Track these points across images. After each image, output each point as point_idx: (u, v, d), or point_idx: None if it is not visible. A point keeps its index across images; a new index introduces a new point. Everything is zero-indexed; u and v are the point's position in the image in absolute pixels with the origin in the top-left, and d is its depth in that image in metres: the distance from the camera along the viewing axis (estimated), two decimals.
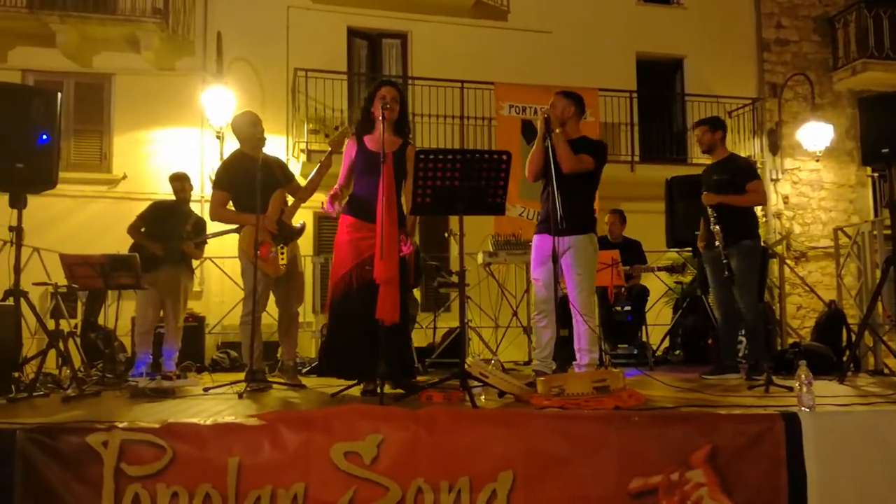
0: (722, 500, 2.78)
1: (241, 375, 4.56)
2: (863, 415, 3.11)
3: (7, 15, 9.26)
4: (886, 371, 5.50)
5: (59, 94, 4.59)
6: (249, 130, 4.70)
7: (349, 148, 4.27)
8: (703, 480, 2.78)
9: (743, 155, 8.93)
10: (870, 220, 8.66)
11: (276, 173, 4.72)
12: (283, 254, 4.67)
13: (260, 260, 4.44)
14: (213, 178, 9.46)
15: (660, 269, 6.70)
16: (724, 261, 4.53)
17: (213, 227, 5.96)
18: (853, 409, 3.20)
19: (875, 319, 5.57)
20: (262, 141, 4.65)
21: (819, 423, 2.88)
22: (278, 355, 6.24)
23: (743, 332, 5.75)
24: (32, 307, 4.49)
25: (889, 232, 4.88)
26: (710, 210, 4.84)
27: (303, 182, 4.99)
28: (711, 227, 4.78)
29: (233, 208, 4.73)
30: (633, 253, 6.74)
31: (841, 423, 2.96)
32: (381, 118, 3.91)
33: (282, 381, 4.70)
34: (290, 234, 4.73)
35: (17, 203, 4.41)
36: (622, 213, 7.03)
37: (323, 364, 4.25)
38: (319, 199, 4.79)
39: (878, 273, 5.47)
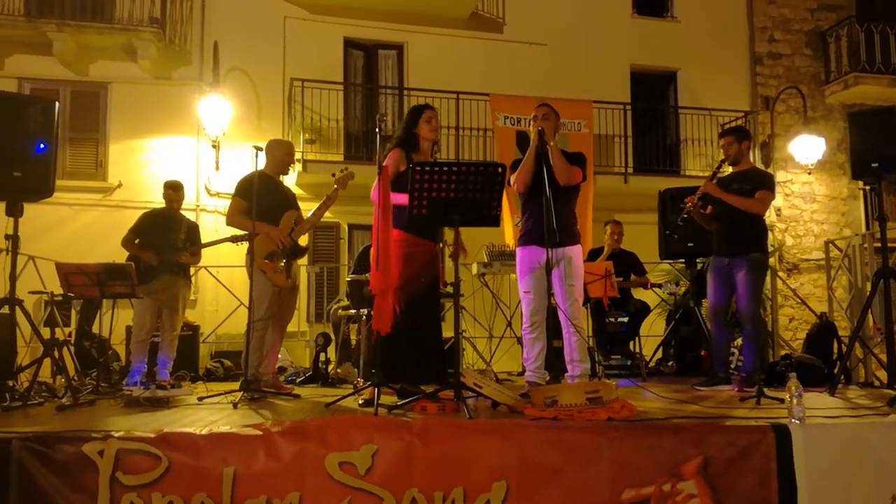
0: None
1: (236, 385, 4.59)
2: (852, 427, 3.14)
3: (4, 23, 9.27)
4: (876, 383, 5.54)
5: (57, 104, 4.61)
6: (285, 157, 5.11)
7: (398, 159, 4.22)
8: (694, 492, 2.81)
9: None
10: (861, 232, 8.72)
11: (290, 199, 5.12)
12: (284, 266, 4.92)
13: (269, 269, 4.71)
14: (209, 188, 9.63)
15: (652, 285, 6.74)
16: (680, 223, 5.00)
17: (205, 232, 6.01)
18: (843, 421, 3.24)
19: (865, 332, 5.62)
20: (289, 168, 5.23)
21: (809, 435, 2.91)
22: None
23: (735, 343, 5.79)
24: (28, 316, 4.49)
25: (879, 245, 4.92)
26: (691, 203, 4.97)
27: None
28: (681, 219, 5.04)
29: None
30: (628, 264, 6.77)
31: (831, 435, 2.99)
32: (433, 140, 4.31)
33: (276, 391, 4.76)
34: (296, 251, 4.98)
35: (14, 211, 4.42)
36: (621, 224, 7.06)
37: (396, 374, 4.14)
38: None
39: (869, 286, 5.52)
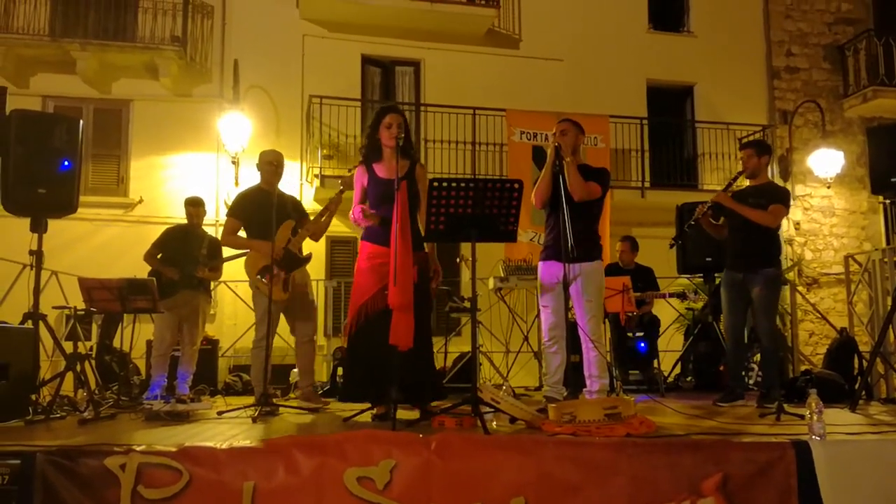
0: None
1: (254, 399, 4.62)
2: (874, 443, 3.10)
3: (29, 42, 9.49)
4: None
5: (81, 122, 4.70)
6: (266, 166, 4.99)
7: (359, 175, 4.29)
8: None
9: None
10: (881, 247, 8.63)
11: (288, 209, 4.97)
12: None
13: (264, 284, 4.66)
14: (228, 203, 9.71)
15: (670, 295, 6.70)
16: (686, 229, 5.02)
17: (225, 248, 6.07)
18: (864, 438, 3.20)
19: (886, 347, 5.55)
20: (278, 175, 5.01)
21: (830, 452, 2.88)
22: (290, 378, 6.29)
23: (753, 358, 5.75)
24: (51, 330, 4.55)
25: None
26: (701, 210, 4.96)
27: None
28: (688, 225, 5.06)
29: (243, 234, 4.97)
30: (645, 279, 6.75)
31: (852, 451, 2.95)
32: (393, 147, 4.05)
33: (294, 405, 4.79)
34: (295, 262, 4.88)
35: (38, 227, 4.51)
36: (633, 239, 7.03)
37: (347, 389, 4.28)
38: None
39: (890, 301, 5.47)
